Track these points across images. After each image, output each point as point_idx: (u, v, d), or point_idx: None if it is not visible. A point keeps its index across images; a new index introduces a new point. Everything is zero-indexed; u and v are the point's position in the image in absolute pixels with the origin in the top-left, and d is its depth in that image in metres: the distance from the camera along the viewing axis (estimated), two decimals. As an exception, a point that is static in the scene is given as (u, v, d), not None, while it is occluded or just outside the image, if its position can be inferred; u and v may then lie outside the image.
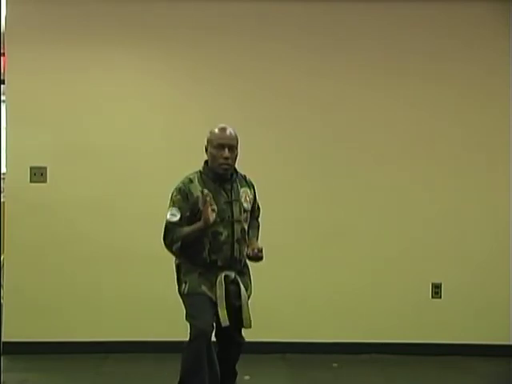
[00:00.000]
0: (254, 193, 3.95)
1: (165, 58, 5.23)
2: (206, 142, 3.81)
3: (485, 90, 5.24)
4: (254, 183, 3.96)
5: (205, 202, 3.59)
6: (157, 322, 5.11)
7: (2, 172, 4.72)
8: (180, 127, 5.20)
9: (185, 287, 3.74)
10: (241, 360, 3.96)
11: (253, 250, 3.79)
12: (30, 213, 5.14)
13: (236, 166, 3.84)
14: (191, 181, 3.75)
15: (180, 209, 3.69)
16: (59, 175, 5.17)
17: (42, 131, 5.17)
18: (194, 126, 5.02)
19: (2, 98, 5.17)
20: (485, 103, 5.24)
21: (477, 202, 5.25)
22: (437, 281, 5.25)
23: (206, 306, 3.69)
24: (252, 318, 3.76)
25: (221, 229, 3.72)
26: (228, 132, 3.77)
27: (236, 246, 3.76)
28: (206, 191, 3.62)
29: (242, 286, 3.77)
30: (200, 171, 3.81)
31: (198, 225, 3.63)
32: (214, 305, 3.69)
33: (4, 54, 5.17)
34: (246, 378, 4.51)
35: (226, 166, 3.74)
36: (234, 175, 3.84)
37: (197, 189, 3.71)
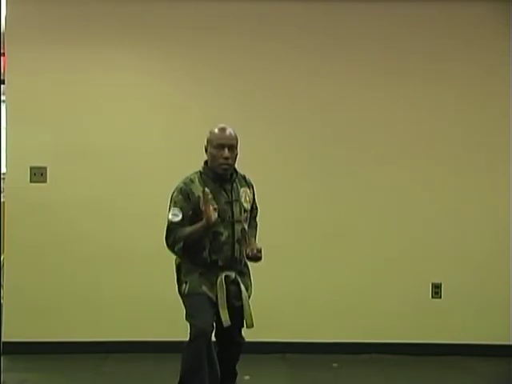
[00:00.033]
0: (253, 192, 3.95)
1: (165, 58, 5.23)
2: (205, 142, 3.81)
3: (485, 90, 5.24)
4: (253, 183, 3.96)
5: (206, 200, 3.58)
6: (157, 322, 5.11)
7: (2, 172, 4.72)
8: (180, 127, 5.20)
9: (185, 287, 3.74)
10: (241, 360, 3.96)
11: (252, 250, 3.79)
12: (30, 213, 5.14)
13: (236, 165, 3.84)
14: (192, 181, 3.75)
15: (182, 209, 3.68)
16: (59, 175, 5.17)
17: (42, 131, 5.17)
18: (193, 126, 5.02)
19: (2, 97, 5.17)
20: (485, 103, 5.24)
21: (477, 202, 5.25)
22: (437, 281, 5.25)
23: (206, 306, 3.69)
24: (254, 318, 3.76)
25: (221, 229, 3.72)
26: (228, 132, 3.77)
27: (236, 246, 3.76)
28: (207, 190, 3.62)
29: (242, 286, 3.77)
30: (200, 171, 3.80)
31: (200, 224, 3.62)
32: (214, 305, 3.69)
33: (4, 53, 5.17)
34: (246, 378, 4.51)
35: (225, 166, 3.74)
36: (234, 175, 3.84)
37: (198, 189, 3.70)
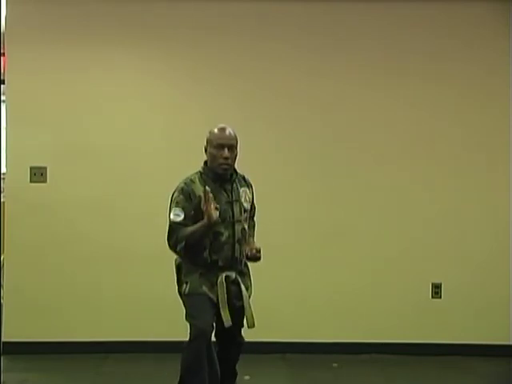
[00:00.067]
0: (252, 192, 3.95)
1: (165, 58, 5.23)
2: (205, 143, 3.81)
3: (485, 90, 5.24)
4: (252, 183, 3.96)
5: (207, 199, 3.57)
6: (157, 322, 5.11)
7: (2, 172, 4.72)
8: (180, 127, 5.20)
9: (185, 287, 3.74)
10: (241, 360, 3.96)
11: (251, 250, 3.80)
12: (30, 213, 5.14)
13: (236, 165, 3.84)
14: (193, 181, 3.75)
15: (183, 209, 3.68)
16: (59, 175, 5.17)
17: (42, 131, 5.16)
18: (193, 126, 5.02)
19: (2, 97, 5.17)
20: (485, 103, 5.24)
21: (477, 202, 5.25)
22: (437, 281, 5.25)
23: (206, 307, 3.69)
24: (255, 318, 3.76)
25: (222, 229, 3.72)
26: (227, 132, 3.77)
27: (237, 246, 3.76)
28: (207, 188, 3.61)
29: (242, 287, 3.77)
30: (200, 171, 3.80)
31: (202, 223, 3.61)
32: (215, 305, 3.69)
33: (4, 53, 5.17)
34: (246, 378, 4.51)
35: (225, 166, 3.74)
36: (234, 175, 3.84)
37: (199, 189, 3.70)
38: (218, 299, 3.69)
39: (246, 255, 3.81)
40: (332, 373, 4.88)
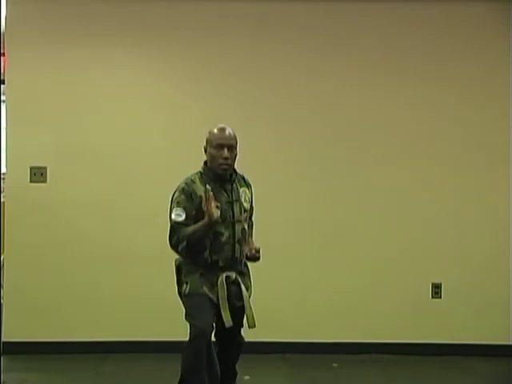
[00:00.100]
0: (251, 192, 3.95)
1: (165, 57, 5.23)
2: (204, 143, 3.81)
3: (485, 90, 5.24)
4: (251, 183, 3.96)
5: (208, 197, 3.56)
6: (157, 322, 5.11)
7: (2, 172, 4.72)
8: (180, 127, 5.20)
9: (186, 288, 3.73)
10: (241, 360, 3.96)
11: (250, 250, 3.81)
12: (30, 213, 5.14)
13: (236, 166, 3.83)
14: (193, 181, 3.74)
15: (185, 209, 3.67)
16: (59, 175, 5.17)
17: (42, 131, 5.17)
18: (193, 126, 5.01)
19: (2, 98, 5.17)
20: (485, 103, 5.24)
21: (477, 202, 5.25)
22: (437, 281, 5.25)
23: (206, 307, 3.68)
24: (255, 318, 3.76)
25: (222, 229, 3.72)
26: (227, 132, 3.77)
27: (237, 246, 3.76)
28: (208, 187, 3.60)
29: (242, 287, 3.77)
30: (200, 172, 3.80)
31: (203, 222, 3.61)
32: (215, 306, 3.69)
33: (4, 53, 5.17)
34: (246, 378, 4.51)
35: (225, 166, 3.74)
36: (234, 175, 3.84)
37: (200, 189, 3.69)
38: (218, 299, 3.69)
39: (246, 255, 3.81)
40: (332, 373, 4.88)
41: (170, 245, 3.70)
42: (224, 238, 3.72)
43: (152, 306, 5.10)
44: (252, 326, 3.76)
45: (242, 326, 3.85)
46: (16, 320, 4.99)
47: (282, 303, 5.16)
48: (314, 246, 5.23)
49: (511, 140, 5.20)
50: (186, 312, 3.74)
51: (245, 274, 3.85)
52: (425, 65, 5.22)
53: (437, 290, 5.25)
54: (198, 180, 3.75)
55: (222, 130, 3.77)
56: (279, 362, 5.09)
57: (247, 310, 3.75)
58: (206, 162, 3.81)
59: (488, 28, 5.22)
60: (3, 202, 5.18)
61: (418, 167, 5.25)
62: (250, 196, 3.91)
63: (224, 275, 3.72)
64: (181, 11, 5.18)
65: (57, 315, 5.16)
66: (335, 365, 5.00)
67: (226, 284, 3.72)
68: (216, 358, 3.77)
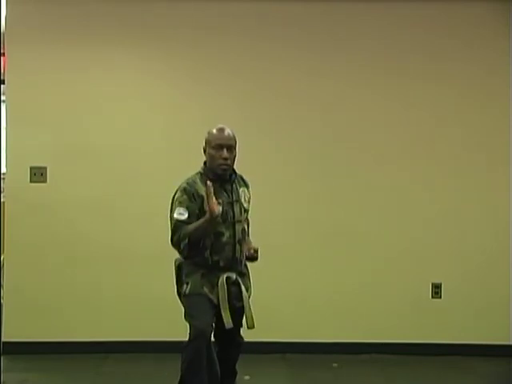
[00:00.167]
0: (250, 192, 3.94)
1: (165, 58, 5.23)
2: (204, 143, 3.81)
3: (485, 90, 5.24)
4: (249, 183, 3.95)
5: (209, 193, 3.54)
6: (157, 322, 5.11)
7: (2, 172, 4.72)
8: (180, 127, 5.20)
9: (186, 288, 3.73)
10: (241, 360, 3.96)
11: (248, 250, 3.82)
12: (30, 213, 5.14)
13: (236, 166, 3.83)
14: (195, 182, 3.74)
15: (187, 208, 3.66)
16: (59, 175, 5.17)
17: (42, 131, 5.17)
18: (193, 126, 5.01)
19: (2, 97, 5.17)
20: (485, 103, 5.24)
21: (477, 202, 5.25)
22: (437, 281, 5.25)
23: (206, 307, 3.69)
24: (254, 318, 3.76)
25: (223, 229, 3.72)
26: (226, 132, 3.77)
27: (237, 246, 3.76)
28: (209, 183, 3.58)
29: (242, 287, 3.77)
30: (200, 172, 3.80)
31: (204, 218, 3.60)
32: (214, 306, 3.69)
33: (4, 53, 5.17)
34: (246, 378, 4.52)
35: (225, 167, 3.74)
36: (233, 176, 3.84)
37: (201, 189, 3.69)
38: (218, 300, 3.69)
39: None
40: (332, 373, 4.88)
41: (172, 243, 3.69)
42: (225, 239, 3.72)
43: (152, 306, 5.10)
44: (251, 326, 3.76)
45: (242, 326, 3.85)
46: (16, 320, 5.00)
47: (281, 303, 5.16)
48: (313, 246, 5.23)
49: (511, 140, 5.20)
50: (185, 312, 3.74)
51: (244, 274, 3.85)
52: (425, 65, 5.22)
53: (437, 290, 5.25)
54: (198, 180, 3.74)
55: (221, 130, 3.77)
56: (279, 362, 5.09)
57: (246, 311, 3.75)
58: (205, 163, 3.81)
59: (488, 28, 5.22)
60: (3, 202, 5.18)
61: (418, 167, 5.25)
62: (249, 196, 3.91)
63: (224, 276, 3.72)
64: (181, 11, 5.18)
65: (57, 315, 5.16)
66: (335, 365, 5.00)
67: (226, 285, 3.72)
68: (216, 358, 3.77)
